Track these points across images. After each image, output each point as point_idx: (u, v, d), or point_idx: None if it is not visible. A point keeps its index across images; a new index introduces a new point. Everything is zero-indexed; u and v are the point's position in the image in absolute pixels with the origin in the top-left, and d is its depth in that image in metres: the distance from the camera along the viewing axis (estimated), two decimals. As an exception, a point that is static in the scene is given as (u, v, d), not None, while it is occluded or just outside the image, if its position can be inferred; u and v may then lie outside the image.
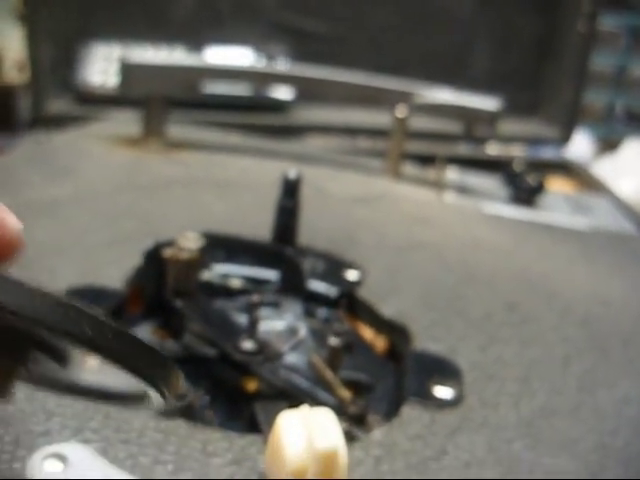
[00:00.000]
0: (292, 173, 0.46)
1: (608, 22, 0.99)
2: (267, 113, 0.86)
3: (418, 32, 0.90)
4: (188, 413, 0.35)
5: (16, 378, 0.24)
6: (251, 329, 0.38)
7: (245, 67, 0.73)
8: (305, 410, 0.30)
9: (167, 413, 0.35)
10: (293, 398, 0.36)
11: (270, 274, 0.47)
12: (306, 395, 0.36)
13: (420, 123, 0.73)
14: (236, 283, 0.45)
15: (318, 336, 0.41)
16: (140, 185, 0.60)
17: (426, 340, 0.42)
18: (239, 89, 0.83)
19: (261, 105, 0.85)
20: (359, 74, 0.70)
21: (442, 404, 0.37)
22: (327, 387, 0.37)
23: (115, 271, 0.44)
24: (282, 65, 0.82)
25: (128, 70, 0.67)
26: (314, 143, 0.87)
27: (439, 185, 0.71)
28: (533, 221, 0.65)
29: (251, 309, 0.38)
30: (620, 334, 0.47)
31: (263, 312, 0.41)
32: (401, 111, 0.68)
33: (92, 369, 0.24)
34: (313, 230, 0.51)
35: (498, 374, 0.40)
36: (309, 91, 0.83)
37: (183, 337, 0.40)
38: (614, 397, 0.40)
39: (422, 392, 0.38)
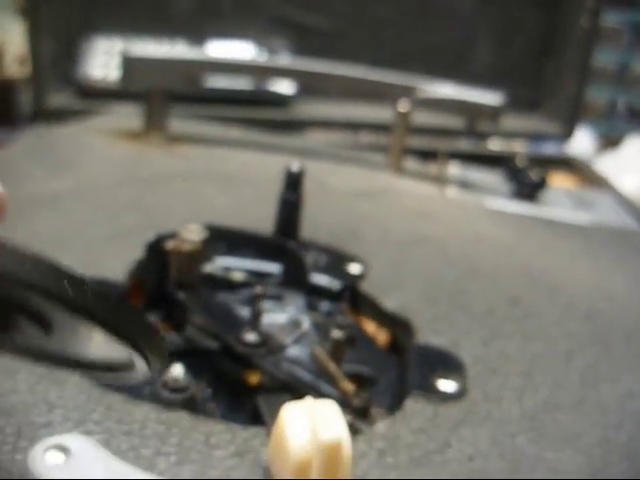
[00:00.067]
0: (295, 166, 0.46)
1: (611, 18, 0.99)
2: (268, 107, 0.85)
3: (419, 27, 0.90)
4: (190, 405, 0.35)
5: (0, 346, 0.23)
6: (254, 321, 0.38)
7: (246, 61, 0.72)
8: (309, 402, 0.30)
9: (169, 405, 0.34)
10: (296, 391, 0.36)
11: (272, 267, 0.47)
12: (309, 388, 0.36)
13: (422, 118, 0.72)
14: (238, 276, 0.45)
15: (321, 329, 0.41)
16: (141, 179, 0.60)
17: (429, 334, 0.42)
18: (240, 83, 0.83)
19: (262, 99, 0.85)
20: (361, 68, 0.70)
21: (445, 397, 0.37)
22: (330, 380, 0.37)
23: (116, 264, 0.44)
24: (284, 59, 0.81)
25: (129, 64, 0.67)
26: (315, 138, 0.87)
27: (441, 180, 0.71)
28: (535, 216, 0.65)
29: (254, 301, 0.38)
30: (623, 329, 0.47)
31: (265, 305, 0.41)
32: (403, 106, 0.68)
33: (76, 338, 0.24)
34: (315, 224, 0.51)
35: (501, 368, 0.40)
36: (311, 85, 0.83)
37: (185, 330, 0.40)
38: (617, 392, 0.40)
39: (425, 385, 0.37)
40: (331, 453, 0.27)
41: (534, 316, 0.46)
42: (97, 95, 0.83)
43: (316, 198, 0.51)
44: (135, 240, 0.47)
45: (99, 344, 0.23)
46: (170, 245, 0.40)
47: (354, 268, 0.48)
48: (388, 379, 0.40)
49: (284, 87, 0.84)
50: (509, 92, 0.73)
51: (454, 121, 0.75)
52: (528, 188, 0.69)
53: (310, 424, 0.28)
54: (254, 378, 0.38)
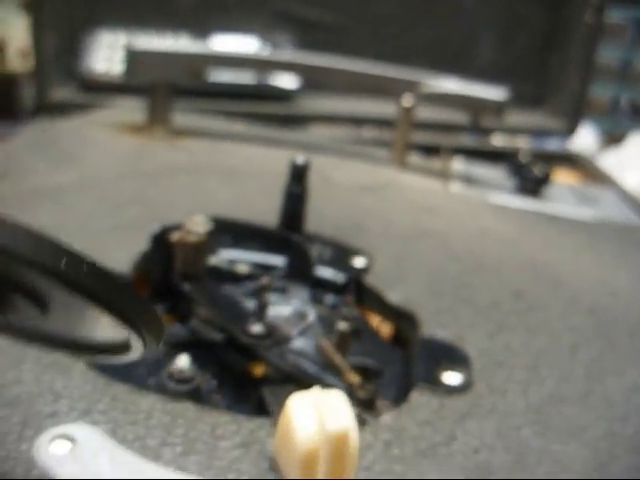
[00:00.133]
0: (300, 159, 0.46)
1: (614, 15, 0.99)
2: (271, 102, 0.85)
3: (422, 23, 0.90)
4: (195, 396, 0.35)
5: None
6: (260, 312, 0.38)
7: (250, 55, 0.72)
8: (316, 392, 0.30)
9: (175, 396, 0.34)
10: (301, 382, 0.36)
11: (277, 260, 0.47)
12: (314, 380, 0.36)
13: (425, 113, 0.72)
14: (243, 268, 0.45)
15: (326, 322, 0.41)
16: (145, 172, 0.60)
17: (434, 327, 0.42)
18: (243, 78, 0.83)
19: (266, 94, 0.85)
20: (365, 63, 0.70)
21: (451, 390, 0.37)
22: (335, 372, 0.37)
23: (121, 255, 0.44)
24: (287, 53, 0.81)
25: (133, 57, 0.67)
26: (318, 132, 0.87)
27: (445, 175, 0.71)
28: (539, 211, 0.65)
29: (260, 292, 0.38)
30: (627, 324, 0.47)
31: (270, 297, 0.41)
32: (407, 100, 0.68)
33: (72, 318, 0.24)
34: (319, 218, 0.51)
35: (506, 361, 0.40)
36: (314, 80, 0.82)
37: (190, 321, 0.40)
38: (623, 385, 0.40)
39: (431, 378, 0.37)
40: (338, 443, 0.27)
41: (538, 310, 0.46)
42: (100, 89, 0.83)
43: (320, 192, 0.51)
44: (139, 232, 0.47)
45: (95, 324, 0.23)
46: (175, 236, 0.40)
47: (359, 261, 0.48)
48: (393, 372, 0.40)
49: (287, 82, 0.84)
50: (512, 88, 0.72)
51: (457, 116, 0.75)
52: (532, 183, 0.69)
53: (317, 414, 0.28)
54: (259, 370, 0.38)
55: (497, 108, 0.69)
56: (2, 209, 0.35)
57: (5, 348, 0.35)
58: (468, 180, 0.71)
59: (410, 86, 0.69)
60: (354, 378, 0.36)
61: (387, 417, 0.35)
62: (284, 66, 0.73)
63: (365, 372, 0.38)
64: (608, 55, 1.01)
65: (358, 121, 0.87)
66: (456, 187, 0.68)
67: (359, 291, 0.46)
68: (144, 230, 0.47)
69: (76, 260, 0.19)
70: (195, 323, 0.40)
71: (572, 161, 0.85)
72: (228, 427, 0.32)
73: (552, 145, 0.90)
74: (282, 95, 0.86)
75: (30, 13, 0.80)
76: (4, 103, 0.95)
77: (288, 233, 0.46)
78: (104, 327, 0.23)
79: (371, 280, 0.46)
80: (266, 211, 0.50)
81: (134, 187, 0.56)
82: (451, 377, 0.38)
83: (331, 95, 0.88)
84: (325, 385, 0.36)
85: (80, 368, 0.35)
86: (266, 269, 0.46)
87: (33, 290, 0.22)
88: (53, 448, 0.30)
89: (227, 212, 0.51)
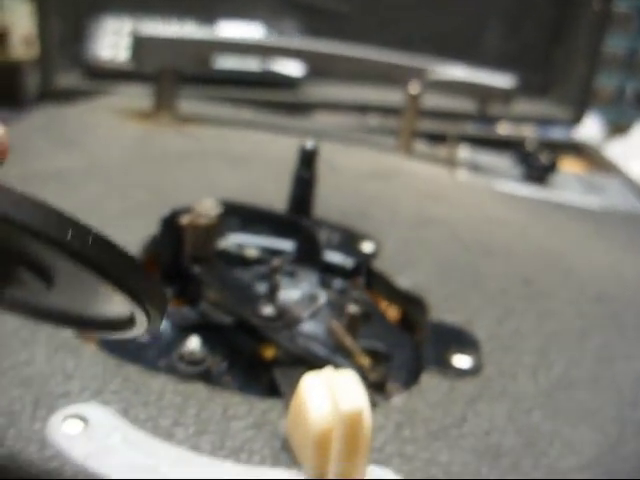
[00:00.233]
0: (309, 144, 0.46)
1: (621, 4, 0.98)
2: (277, 89, 0.85)
3: (429, 10, 0.89)
4: (206, 378, 0.35)
5: (1, 296, 0.23)
6: (271, 294, 0.38)
7: (256, 41, 0.72)
8: (328, 372, 0.30)
9: (186, 377, 0.34)
10: (311, 365, 0.36)
11: (286, 244, 0.47)
12: (324, 362, 0.36)
13: (431, 101, 0.72)
14: (252, 252, 0.45)
15: (335, 306, 0.41)
16: (152, 157, 0.60)
17: (443, 312, 0.42)
18: (249, 65, 0.83)
19: (271, 81, 0.85)
20: (371, 50, 0.70)
21: (461, 373, 0.37)
22: (346, 354, 0.37)
23: (129, 239, 0.44)
24: (294, 40, 0.81)
25: (140, 43, 0.67)
26: (323, 120, 0.87)
27: (451, 163, 0.70)
28: (546, 199, 0.65)
29: (271, 274, 0.38)
30: (635, 310, 0.47)
31: (280, 281, 0.41)
32: (414, 88, 0.68)
33: (77, 293, 0.24)
34: (326, 205, 0.50)
35: (516, 346, 0.40)
36: (320, 67, 0.82)
37: (200, 304, 0.40)
38: (632, 370, 0.40)
39: (441, 361, 0.37)
40: (352, 423, 0.27)
41: (547, 296, 0.46)
42: (105, 76, 0.83)
43: (327, 179, 0.51)
44: (147, 216, 0.47)
45: (100, 299, 0.23)
46: (186, 219, 0.40)
47: (367, 246, 0.48)
48: (402, 355, 0.40)
49: (293, 69, 0.84)
50: (519, 76, 0.72)
51: (463, 104, 0.74)
52: (538, 171, 0.69)
53: (330, 394, 0.28)
54: (269, 352, 0.38)
55: (504, 95, 0.69)
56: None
57: (16, 330, 0.35)
58: (474, 168, 0.71)
59: (417, 73, 0.68)
60: (365, 360, 0.36)
61: (398, 399, 0.35)
62: (290, 52, 0.72)
63: (375, 355, 0.38)
64: (614, 45, 1.01)
65: (363, 109, 0.87)
66: (462, 175, 0.68)
67: (368, 276, 0.46)
68: (152, 214, 0.47)
69: (82, 231, 0.19)
70: (205, 306, 0.40)
71: (578, 150, 0.85)
72: (240, 408, 0.32)
73: (557, 134, 0.90)
74: (287, 82, 0.85)
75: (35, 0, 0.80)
76: (8, 91, 0.95)
77: (297, 217, 0.46)
78: (108, 302, 0.23)
79: (379, 265, 0.46)
80: (273, 196, 0.50)
81: (141, 172, 0.56)
82: (461, 360, 0.38)
83: (336, 83, 0.87)
84: (336, 367, 0.36)
85: (91, 349, 0.35)
86: (275, 253, 0.46)
87: (39, 263, 0.22)
88: (66, 427, 0.30)
89: (234, 197, 0.51)
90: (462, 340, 0.40)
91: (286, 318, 0.38)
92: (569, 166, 0.80)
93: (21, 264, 0.22)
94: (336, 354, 0.37)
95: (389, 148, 0.71)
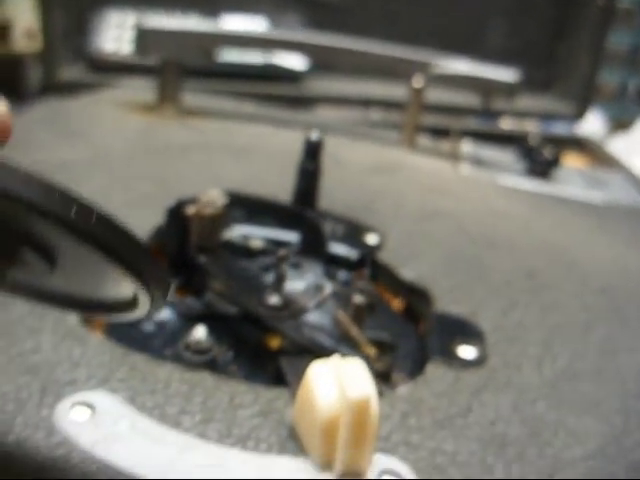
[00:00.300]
0: (314, 135, 0.46)
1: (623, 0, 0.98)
2: (280, 83, 0.85)
3: (433, 5, 0.89)
4: (212, 367, 0.35)
5: (4, 276, 0.23)
6: (277, 284, 0.38)
7: (260, 34, 0.72)
8: (336, 360, 0.30)
9: (192, 366, 0.35)
10: (317, 355, 0.36)
11: (290, 236, 0.47)
12: (330, 352, 0.36)
13: (434, 96, 0.72)
14: (257, 244, 0.45)
15: (340, 297, 0.41)
16: (156, 149, 0.60)
17: (447, 303, 0.42)
18: (252, 58, 0.83)
19: (274, 75, 0.85)
20: (375, 43, 0.70)
21: (466, 364, 0.37)
22: (352, 344, 0.37)
23: (134, 229, 0.44)
24: (298, 33, 0.81)
25: (144, 34, 0.67)
26: (325, 114, 0.87)
27: (454, 157, 0.70)
28: (549, 194, 0.65)
29: (278, 263, 0.38)
30: (639, 303, 0.47)
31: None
32: (418, 81, 0.68)
33: (80, 274, 0.24)
34: (331, 198, 0.51)
35: (520, 337, 0.40)
36: (323, 61, 0.82)
37: (205, 295, 0.40)
38: (636, 362, 0.40)
39: (446, 352, 0.38)
40: (360, 410, 0.27)
41: (551, 288, 0.46)
42: (109, 69, 0.83)
43: (331, 173, 0.51)
44: (152, 207, 0.47)
45: (103, 281, 0.23)
46: (191, 210, 0.40)
47: (371, 238, 0.48)
48: (407, 346, 0.40)
49: (296, 63, 0.84)
50: (522, 71, 0.72)
51: (466, 99, 0.74)
52: (541, 166, 0.69)
53: (338, 382, 0.28)
54: (275, 342, 0.38)
55: (508, 89, 0.69)
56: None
57: (23, 317, 0.35)
58: (477, 162, 0.71)
59: (421, 67, 0.68)
60: (370, 350, 0.36)
61: (403, 389, 0.35)
62: (293, 46, 0.72)
63: (380, 346, 0.38)
64: (617, 41, 1.01)
65: (365, 103, 0.87)
66: (466, 169, 0.68)
67: (372, 268, 0.46)
68: (157, 205, 0.47)
69: (86, 209, 0.19)
70: (210, 296, 0.40)
71: (580, 145, 0.85)
72: (246, 396, 0.32)
73: (560, 129, 0.90)
74: (290, 76, 0.85)
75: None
76: (10, 84, 0.95)
77: (302, 209, 0.46)
78: (111, 283, 0.23)
79: (384, 257, 0.47)
80: (277, 189, 0.50)
81: (145, 163, 0.56)
82: (466, 351, 0.38)
83: (339, 77, 0.87)
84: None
85: (97, 338, 0.35)
86: (279, 245, 0.46)
87: (43, 243, 0.22)
88: (73, 415, 0.30)
89: (239, 189, 0.51)
90: (467, 331, 0.40)
91: (292, 308, 0.38)
92: (572, 161, 0.81)
93: (25, 244, 0.22)
94: (342, 344, 0.37)
95: (392, 142, 0.71)
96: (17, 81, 0.95)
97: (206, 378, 0.33)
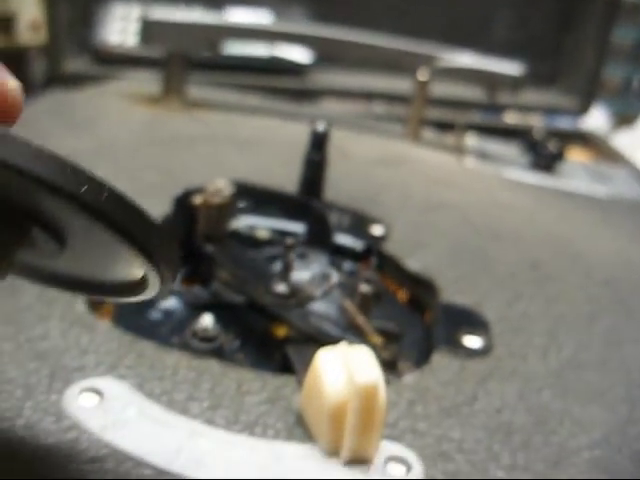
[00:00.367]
0: (320, 126, 0.46)
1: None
2: (284, 76, 0.85)
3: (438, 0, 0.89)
4: (219, 355, 0.36)
5: (13, 257, 0.23)
6: (284, 272, 0.38)
7: (266, 26, 0.72)
8: (343, 347, 0.30)
9: (199, 354, 0.35)
10: (324, 344, 0.36)
11: (296, 227, 0.47)
12: (337, 341, 0.36)
13: (439, 89, 0.72)
14: (263, 234, 0.45)
15: (347, 286, 0.41)
16: (161, 140, 0.60)
17: (453, 294, 0.42)
18: (257, 51, 0.83)
19: (279, 68, 0.85)
20: (380, 36, 0.70)
21: (471, 353, 0.37)
22: (358, 333, 0.37)
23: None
24: (303, 26, 0.81)
25: (149, 26, 0.67)
26: (330, 107, 0.87)
27: (459, 150, 0.71)
28: (554, 187, 0.65)
29: (285, 252, 0.38)
30: (643, 295, 0.47)
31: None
32: (423, 74, 0.68)
33: (89, 255, 0.24)
34: (336, 190, 0.51)
35: (525, 327, 0.41)
36: (328, 54, 0.82)
37: (212, 284, 0.40)
38: (640, 353, 0.40)
39: (451, 341, 0.38)
40: (368, 396, 0.28)
41: (556, 280, 0.47)
42: (114, 61, 0.83)
43: (336, 165, 0.51)
44: (158, 196, 0.47)
45: (112, 261, 0.23)
46: (198, 199, 0.40)
47: (377, 229, 0.48)
48: (413, 335, 0.40)
49: (300, 56, 0.84)
50: (527, 65, 0.72)
51: (471, 93, 0.74)
52: (546, 159, 0.69)
53: (345, 368, 0.29)
54: (281, 331, 0.39)
55: (513, 83, 0.69)
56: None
57: (31, 305, 0.35)
58: (482, 156, 0.71)
59: (426, 60, 0.68)
60: (377, 339, 0.37)
61: (410, 377, 0.35)
62: (298, 38, 0.72)
63: (386, 335, 0.38)
64: (622, 36, 1.01)
65: (369, 96, 0.87)
66: (470, 162, 0.68)
67: (378, 258, 0.46)
68: (163, 195, 0.47)
69: (97, 185, 0.19)
70: (217, 285, 0.40)
71: (585, 140, 0.85)
72: (253, 383, 0.33)
73: (564, 124, 0.90)
74: (295, 69, 0.85)
75: (43, -15, 0.80)
76: (15, 76, 0.95)
77: (308, 199, 0.46)
78: (121, 264, 0.23)
79: (389, 248, 0.47)
80: (282, 180, 0.50)
81: (151, 155, 0.56)
82: (471, 341, 0.38)
83: (343, 70, 0.88)
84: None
85: (105, 325, 0.35)
86: (286, 235, 0.46)
87: (53, 222, 0.21)
88: (82, 400, 0.30)
89: (245, 179, 0.51)
90: (472, 321, 0.40)
91: (298, 297, 0.38)
92: (576, 155, 0.81)
93: (35, 223, 0.22)
94: (348, 333, 0.37)
95: (397, 135, 0.71)
96: (22, 73, 0.95)
97: (213, 365, 0.34)
